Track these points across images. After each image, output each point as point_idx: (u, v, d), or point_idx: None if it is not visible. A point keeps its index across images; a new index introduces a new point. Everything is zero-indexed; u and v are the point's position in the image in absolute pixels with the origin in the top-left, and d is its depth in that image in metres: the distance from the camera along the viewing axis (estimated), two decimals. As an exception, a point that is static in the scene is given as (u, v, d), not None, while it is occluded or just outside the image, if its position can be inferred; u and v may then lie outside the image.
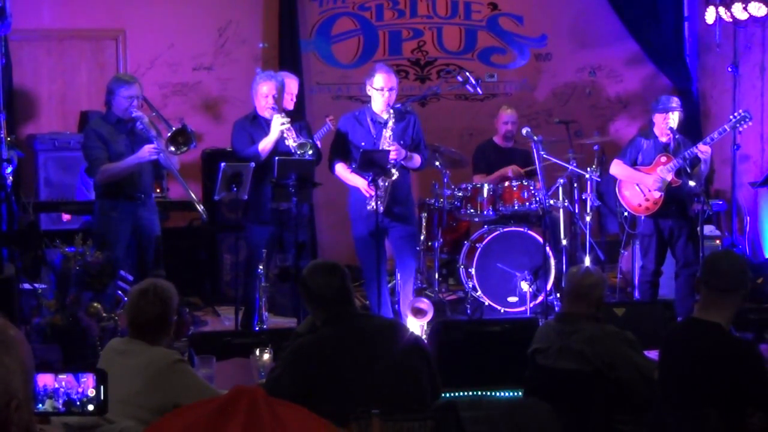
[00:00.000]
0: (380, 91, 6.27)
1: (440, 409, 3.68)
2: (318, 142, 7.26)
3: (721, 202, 8.44)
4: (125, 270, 6.10)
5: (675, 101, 6.70)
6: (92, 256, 5.61)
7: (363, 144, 6.32)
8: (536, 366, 4.12)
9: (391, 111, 6.27)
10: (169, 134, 5.92)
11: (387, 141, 6.25)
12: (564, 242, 7.47)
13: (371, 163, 6.11)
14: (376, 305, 6.26)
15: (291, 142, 6.16)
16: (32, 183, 7.86)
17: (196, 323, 6.85)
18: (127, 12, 8.50)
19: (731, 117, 6.75)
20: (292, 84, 6.84)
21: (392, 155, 6.17)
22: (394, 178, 6.19)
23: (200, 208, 6.12)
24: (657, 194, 6.58)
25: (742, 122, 6.59)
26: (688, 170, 6.51)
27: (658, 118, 6.65)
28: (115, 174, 5.98)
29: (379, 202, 6.12)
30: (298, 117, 6.62)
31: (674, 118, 6.60)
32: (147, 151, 5.91)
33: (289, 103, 6.81)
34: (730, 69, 8.53)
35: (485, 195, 7.32)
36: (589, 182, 7.50)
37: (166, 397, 3.47)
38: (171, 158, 6.03)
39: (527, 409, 2.54)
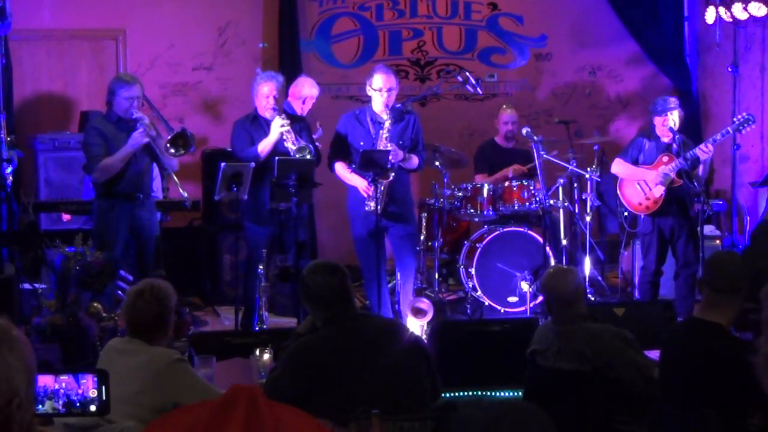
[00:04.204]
0: (379, 91, 6.28)
1: (440, 409, 3.68)
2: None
3: (721, 202, 8.44)
4: (125, 270, 6.10)
5: (672, 101, 6.70)
6: (92, 256, 5.61)
7: (362, 144, 6.33)
8: (536, 367, 4.12)
9: (389, 112, 6.27)
10: (169, 137, 5.92)
11: (383, 142, 6.26)
12: (564, 242, 7.47)
13: (371, 163, 6.11)
14: (376, 305, 6.27)
15: (290, 145, 6.17)
16: (32, 183, 7.86)
17: (196, 323, 6.84)
18: (127, 12, 8.50)
19: (735, 119, 6.76)
20: (315, 91, 7.00)
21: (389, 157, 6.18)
22: (390, 179, 6.20)
23: (184, 194, 6.14)
24: (658, 191, 6.57)
25: (746, 125, 6.59)
26: (689, 171, 6.52)
27: (657, 120, 6.65)
28: (112, 166, 5.95)
29: (377, 204, 6.12)
30: (298, 118, 6.63)
31: (674, 118, 6.60)
32: (137, 137, 5.91)
33: (299, 108, 6.90)
34: (730, 69, 8.53)
35: (485, 195, 7.31)
36: (589, 182, 7.50)
37: (166, 396, 3.47)
38: (171, 160, 6.06)
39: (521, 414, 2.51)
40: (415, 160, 6.43)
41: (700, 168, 6.55)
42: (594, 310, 5.23)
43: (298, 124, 6.42)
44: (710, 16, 8.37)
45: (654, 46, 9.22)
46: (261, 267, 6.27)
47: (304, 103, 6.99)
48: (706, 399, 3.41)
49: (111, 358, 3.61)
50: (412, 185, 6.83)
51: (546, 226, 6.91)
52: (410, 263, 6.53)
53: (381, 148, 6.23)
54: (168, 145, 5.92)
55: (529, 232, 7.28)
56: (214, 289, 7.93)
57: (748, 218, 8.45)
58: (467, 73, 6.98)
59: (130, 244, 6.13)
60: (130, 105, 5.98)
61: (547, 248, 6.95)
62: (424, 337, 5.72)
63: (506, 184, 7.37)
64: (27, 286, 6.14)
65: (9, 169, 6.80)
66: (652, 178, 6.59)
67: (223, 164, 6.07)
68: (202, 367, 4.11)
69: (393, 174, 6.20)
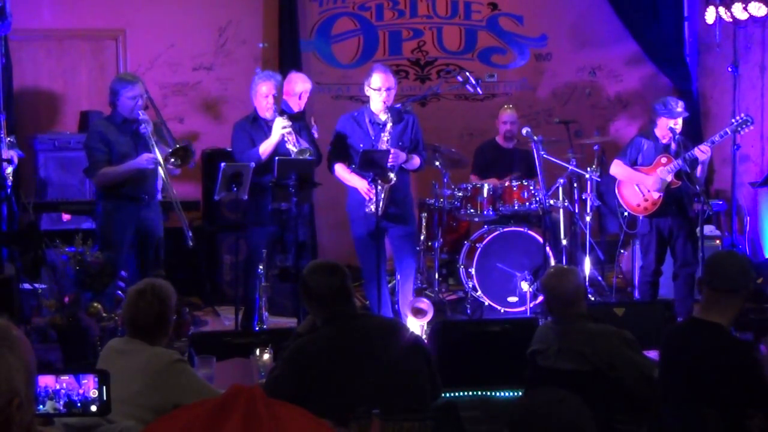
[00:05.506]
0: (377, 91, 6.28)
1: (440, 409, 3.68)
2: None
3: (721, 202, 8.44)
4: (126, 270, 6.10)
5: (681, 105, 6.65)
6: (92, 256, 5.62)
7: (361, 146, 6.32)
8: (536, 367, 4.12)
9: (389, 112, 6.26)
10: (170, 150, 5.88)
11: (385, 144, 6.25)
12: (564, 242, 7.47)
13: (371, 163, 6.11)
14: (376, 305, 6.27)
15: (291, 147, 6.16)
16: (32, 183, 7.86)
17: (196, 323, 6.85)
18: (127, 12, 8.50)
19: (733, 120, 6.76)
20: (308, 85, 6.99)
21: (390, 159, 6.17)
22: (392, 182, 6.19)
23: (188, 234, 6.06)
24: (656, 195, 6.59)
25: (744, 126, 6.60)
26: (688, 171, 6.52)
27: (662, 122, 6.62)
28: (114, 178, 5.96)
29: (377, 205, 6.12)
30: (298, 117, 6.63)
31: (679, 123, 6.60)
32: (144, 160, 5.91)
33: (296, 104, 6.89)
34: (730, 69, 8.52)
35: (485, 195, 7.31)
36: (589, 182, 7.50)
37: (165, 396, 3.47)
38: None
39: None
40: (416, 161, 6.43)
41: (698, 169, 6.56)
42: (594, 310, 5.24)
43: (298, 123, 6.41)
44: (710, 16, 8.37)
45: (654, 46, 9.21)
46: (261, 267, 6.27)
47: (300, 98, 6.99)
48: (706, 399, 3.41)
49: (111, 358, 3.61)
50: (412, 185, 6.83)
51: (546, 226, 6.91)
52: (410, 263, 6.53)
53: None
54: (170, 156, 5.90)
55: (529, 232, 7.28)
56: (214, 289, 7.92)
57: (748, 218, 8.45)
58: (467, 73, 6.97)
59: (133, 245, 6.12)
60: (135, 104, 5.97)
61: (547, 248, 6.95)
62: (424, 337, 5.72)
63: (506, 184, 7.37)
64: (27, 286, 6.15)
65: (9, 169, 6.80)
66: (650, 183, 6.59)
67: (223, 164, 6.06)
68: (202, 367, 4.11)
69: (394, 178, 6.19)
